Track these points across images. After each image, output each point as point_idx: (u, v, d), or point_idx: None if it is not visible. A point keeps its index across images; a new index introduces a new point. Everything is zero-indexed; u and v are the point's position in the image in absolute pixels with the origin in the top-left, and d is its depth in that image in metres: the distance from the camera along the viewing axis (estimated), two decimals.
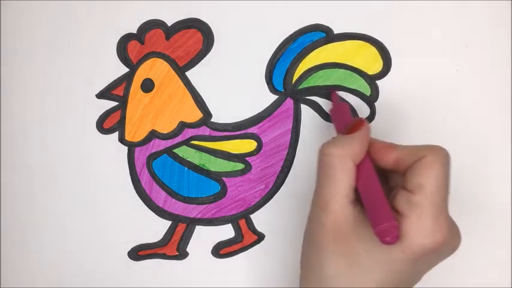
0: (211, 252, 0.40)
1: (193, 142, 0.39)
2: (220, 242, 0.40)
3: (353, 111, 0.38)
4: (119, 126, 0.39)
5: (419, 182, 0.28)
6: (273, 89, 0.39)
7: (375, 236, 0.28)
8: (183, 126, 0.39)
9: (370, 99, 0.38)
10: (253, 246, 0.40)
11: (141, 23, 0.39)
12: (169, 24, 0.39)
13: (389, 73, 0.38)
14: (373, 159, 0.31)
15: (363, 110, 0.38)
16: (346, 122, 0.34)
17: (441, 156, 0.29)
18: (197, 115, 0.39)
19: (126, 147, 0.39)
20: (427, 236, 0.27)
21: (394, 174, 0.31)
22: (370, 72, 0.38)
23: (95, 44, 0.39)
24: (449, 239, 0.28)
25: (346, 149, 0.30)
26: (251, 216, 0.39)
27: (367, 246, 0.28)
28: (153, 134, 0.39)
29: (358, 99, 0.38)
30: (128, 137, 0.39)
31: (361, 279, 0.28)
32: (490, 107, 0.38)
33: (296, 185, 0.39)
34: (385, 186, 0.32)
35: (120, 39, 0.39)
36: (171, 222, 0.40)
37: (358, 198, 0.30)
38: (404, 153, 0.30)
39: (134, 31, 0.39)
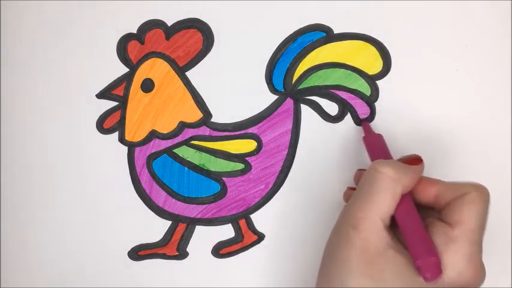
0: (211, 252, 0.40)
1: (193, 142, 0.39)
2: (220, 242, 0.40)
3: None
4: (119, 126, 0.39)
5: (460, 218, 0.28)
6: (273, 89, 0.39)
7: (407, 265, 0.28)
8: (183, 126, 0.39)
9: (370, 99, 0.38)
10: (253, 246, 0.40)
11: (141, 23, 0.39)
12: (169, 24, 0.39)
13: (389, 73, 0.38)
14: (413, 193, 0.31)
15: (363, 109, 0.38)
16: (383, 152, 0.34)
17: (484, 194, 0.29)
18: (197, 115, 0.39)
19: (126, 147, 0.39)
20: (461, 273, 0.27)
21: (424, 209, 0.31)
22: (370, 72, 0.38)
23: (95, 44, 0.39)
24: (479, 277, 0.28)
25: (401, 175, 0.29)
26: (251, 216, 0.39)
27: (395, 272, 0.28)
28: (153, 134, 0.39)
29: (359, 99, 0.38)
30: (127, 137, 0.39)
31: None
32: (490, 107, 0.38)
33: (296, 185, 0.39)
34: None
35: (120, 39, 0.39)
36: (171, 222, 0.40)
37: (391, 226, 0.30)
38: (446, 188, 0.30)
39: (134, 31, 0.39)
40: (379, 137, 0.36)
